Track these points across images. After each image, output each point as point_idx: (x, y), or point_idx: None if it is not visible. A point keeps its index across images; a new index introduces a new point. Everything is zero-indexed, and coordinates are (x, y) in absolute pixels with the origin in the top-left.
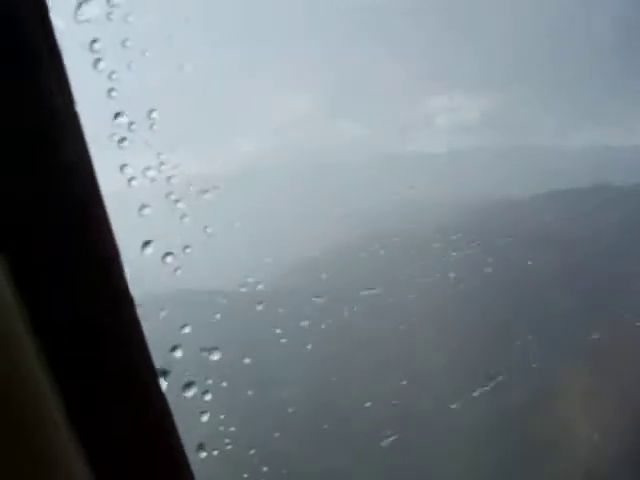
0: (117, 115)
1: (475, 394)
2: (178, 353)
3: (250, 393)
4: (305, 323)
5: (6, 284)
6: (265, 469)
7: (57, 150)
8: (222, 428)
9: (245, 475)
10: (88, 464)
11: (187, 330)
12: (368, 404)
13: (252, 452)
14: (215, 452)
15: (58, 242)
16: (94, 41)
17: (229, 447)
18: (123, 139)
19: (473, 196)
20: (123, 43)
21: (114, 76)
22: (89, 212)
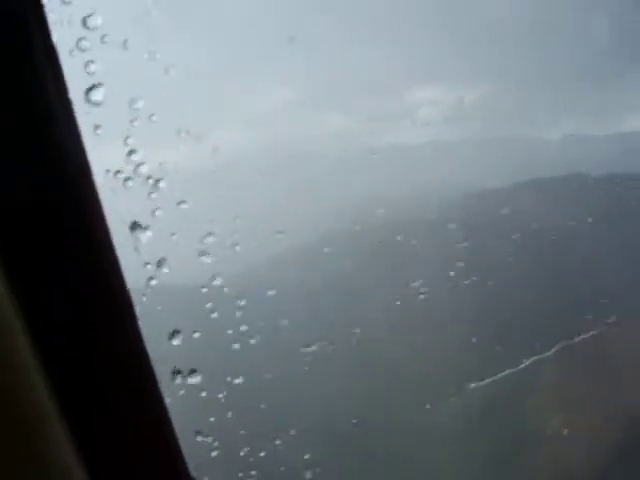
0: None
1: (455, 394)
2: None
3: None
4: (283, 321)
5: (1, 281)
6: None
7: (55, 148)
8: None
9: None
10: (84, 465)
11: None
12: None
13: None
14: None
15: (55, 239)
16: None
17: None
18: (98, 126)
19: (454, 187)
20: (102, 39)
21: (92, 68)
22: (87, 210)
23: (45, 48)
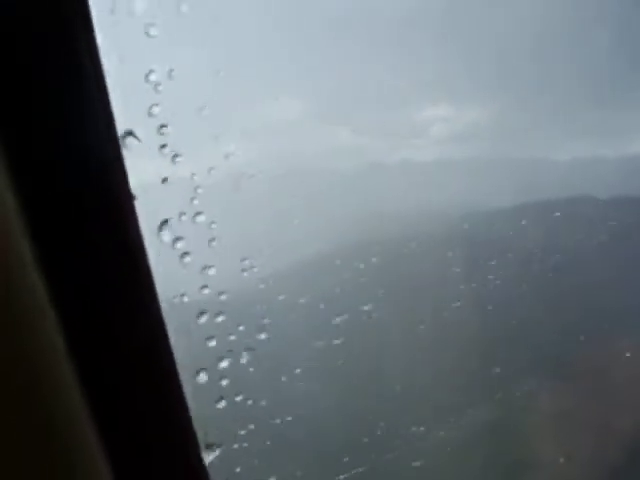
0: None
1: (450, 416)
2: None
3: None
4: (283, 334)
5: (34, 270)
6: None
7: (95, 147)
8: None
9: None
10: (108, 463)
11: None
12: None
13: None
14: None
15: (90, 231)
16: None
17: None
18: None
19: (460, 206)
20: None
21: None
22: (120, 207)
23: (88, 48)
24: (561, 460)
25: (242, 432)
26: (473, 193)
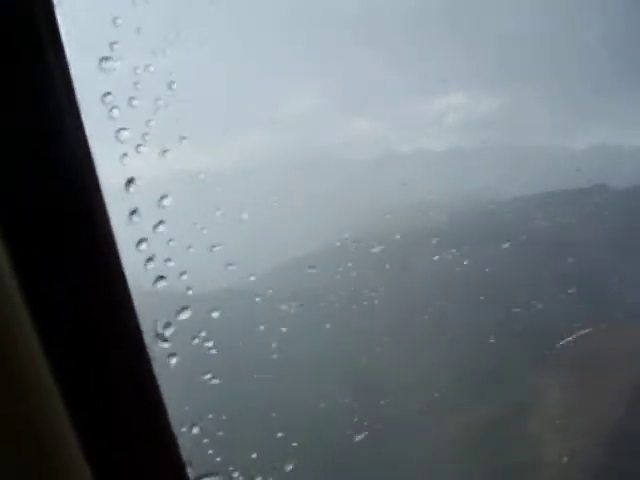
0: (113, 109)
1: (450, 412)
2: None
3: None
4: (285, 320)
5: (9, 275)
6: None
7: (61, 148)
8: None
9: None
10: (88, 463)
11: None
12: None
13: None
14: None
15: (61, 240)
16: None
17: None
18: (121, 129)
19: (475, 196)
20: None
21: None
22: (90, 210)
23: (54, 49)
24: (564, 458)
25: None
26: (487, 182)
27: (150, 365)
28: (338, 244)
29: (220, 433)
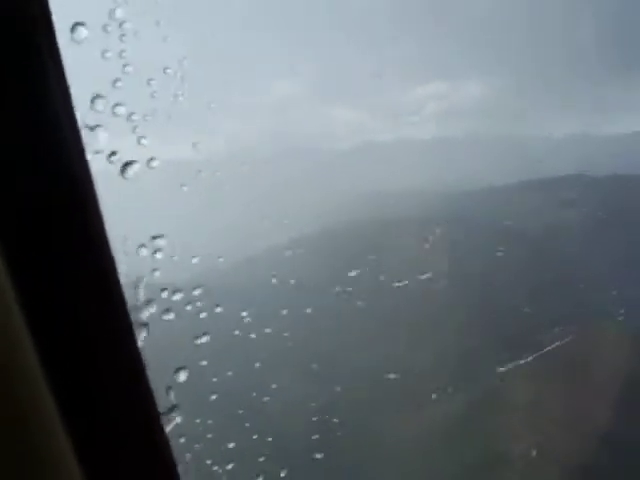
0: (95, 98)
1: (424, 405)
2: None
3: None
4: (268, 309)
5: (5, 279)
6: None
7: (56, 149)
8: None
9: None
10: (80, 463)
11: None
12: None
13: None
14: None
15: (54, 238)
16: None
17: None
18: (97, 126)
19: (454, 184)
20: (104, 28)
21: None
22: (85, 210)
23: (49, 49)
24: (533, 452)
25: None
26: (468, 171)
27: (143, 365)
28: (317, 232)
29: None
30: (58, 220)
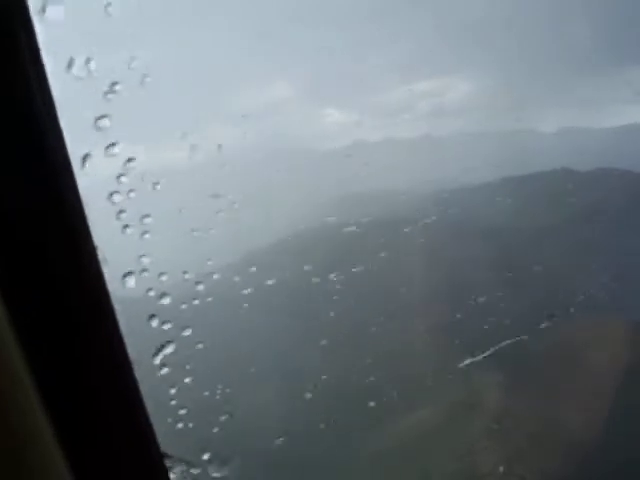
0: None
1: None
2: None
3: None
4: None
5: None
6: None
7: (39, 151)
8: None
9: None
10: (70, 468)
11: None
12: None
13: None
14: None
15: (39, 242)
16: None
17: None
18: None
19: (444, 182)
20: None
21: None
22: (70, 213)
23: (30, 48)
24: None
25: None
26: (458, 169)
27: (131, 367)
28: (304, 233)
29: None
30: (43, 223)
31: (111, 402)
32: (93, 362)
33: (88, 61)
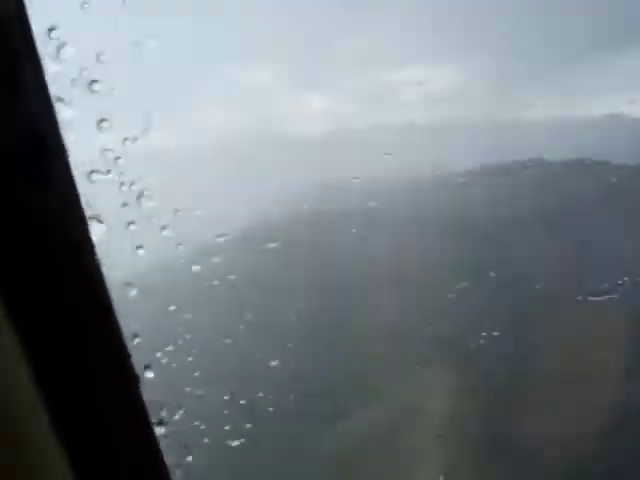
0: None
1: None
2: None
3: None
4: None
5: None
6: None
7: (39, 153)
8: None
9: None
10: (71, 468)
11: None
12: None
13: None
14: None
15: (37, 242)
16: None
17: None
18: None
19: (426, 171)
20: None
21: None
22: (67, 207)
23: (27, 48)
24: None
25: None
26: (441, 157)
27: (132, 366)
28: (275, 222)
29: None
30: (38, 223)
31: (112, 401)
32: (93, 361)
33: (62, 46)
